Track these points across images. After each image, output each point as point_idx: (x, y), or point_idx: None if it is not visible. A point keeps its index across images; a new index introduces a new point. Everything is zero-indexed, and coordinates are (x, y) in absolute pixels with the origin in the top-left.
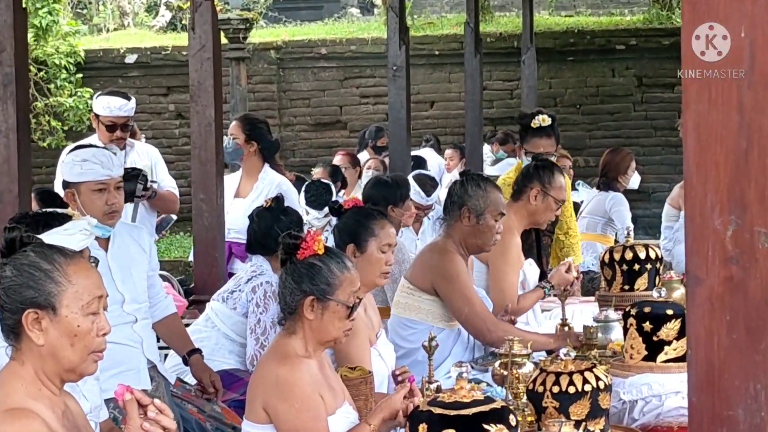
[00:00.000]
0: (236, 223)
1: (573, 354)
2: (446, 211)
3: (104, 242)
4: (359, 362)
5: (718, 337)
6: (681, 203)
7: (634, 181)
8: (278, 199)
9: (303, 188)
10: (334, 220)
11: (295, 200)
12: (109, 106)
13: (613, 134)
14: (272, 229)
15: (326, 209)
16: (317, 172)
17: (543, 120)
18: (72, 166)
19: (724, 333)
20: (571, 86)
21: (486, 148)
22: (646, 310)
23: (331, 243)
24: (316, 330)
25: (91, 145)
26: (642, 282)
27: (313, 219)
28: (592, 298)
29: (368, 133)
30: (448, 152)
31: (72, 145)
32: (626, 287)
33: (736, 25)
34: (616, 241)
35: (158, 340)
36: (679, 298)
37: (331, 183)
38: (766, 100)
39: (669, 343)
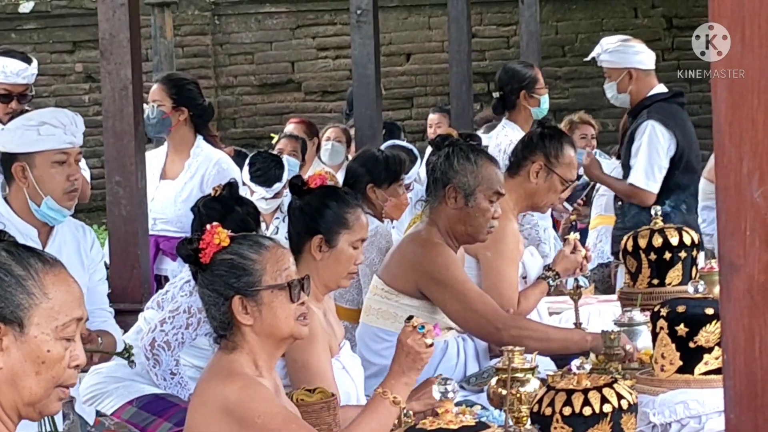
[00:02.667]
0: (164, 212)
1: (588, 366)
2: (428, 191)
3: (44, 234)
4: (320, 373)
5: (760, 339)
6: None
7: None
8: (231, 186)
9: (247, 160)
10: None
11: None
12: (3, 70)
13: None
14: (223, 224)
15: (276, 187)
16: (282, 144)
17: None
18: (23, 132)
19: (767, 333)
20: (583, 31)
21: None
22: (680, 309)
23: (283, 232)
24: (261, 334)
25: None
26: (675, 275)
27: (259, 200)
28: (613, 297)
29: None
30: (432, 117)
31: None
32: (655, 282)
33: None
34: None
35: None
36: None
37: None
38: None
39: (709, 350)
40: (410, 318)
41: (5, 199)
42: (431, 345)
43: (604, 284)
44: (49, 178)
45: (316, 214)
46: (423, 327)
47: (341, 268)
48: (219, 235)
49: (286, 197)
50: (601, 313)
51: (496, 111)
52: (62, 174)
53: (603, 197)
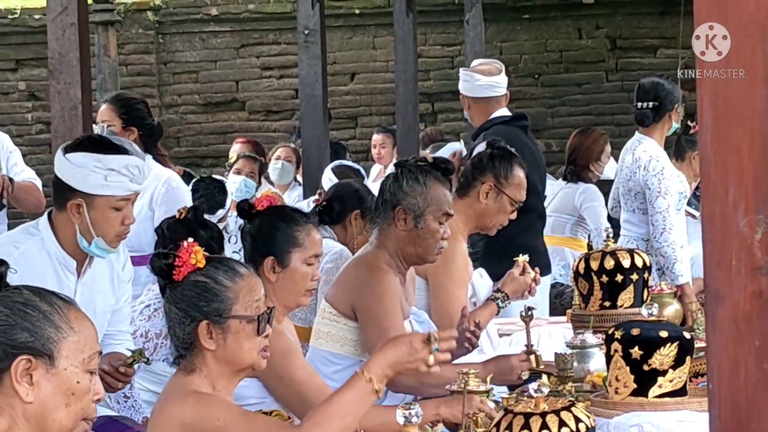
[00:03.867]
0: None
1: (546, 390)
2: (378, 213)
3: (81, 263)
4: (309, 381)
5: (745, 368)
6: None
7: (609, 169)
8: (195, 209)
9: (190, 186)
10: (232, 225)
11: (188, 200)
12: None
13: (581, 110)
14: None
15: (220, 213)
16: (240, 164)
17: None
18: (89, 173)
19: (753, 363)
20: (527, 51)
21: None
22: (635, 332)
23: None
24: (223, 361)
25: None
26: (627, 297)
27: None
28: (563, 318)
29: None
30: (376, 137)
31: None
32: (607, 304)
33: None
34: (589, 246)
35: None
36: (673, 316)
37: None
38: None
39: (663, 373)
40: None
41: (50, 220)
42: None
43: (550, 305)
44: (105, 221)
45: (267, 237)
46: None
47: (298, 287)
48: (196, 255)
49: (231, 218)
50: (551, 335)
51: (644, 122)
52: (118, 218)
53: (550, 218)
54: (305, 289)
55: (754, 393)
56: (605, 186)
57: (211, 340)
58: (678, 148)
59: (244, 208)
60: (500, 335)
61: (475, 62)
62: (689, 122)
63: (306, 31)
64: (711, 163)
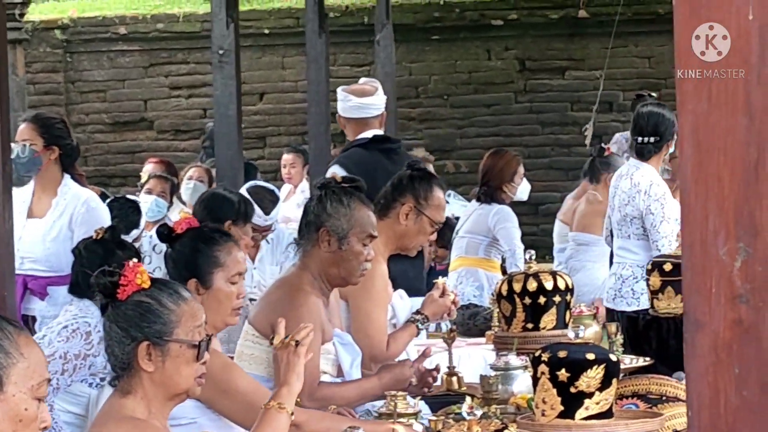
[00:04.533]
0: (32, 251)
1: (479, 412)
2: (301, 234)
3: None
4: (252, 390)
5: (725, 396)
6: (575, 219)
7: (522, 190)
8: (113, 229)
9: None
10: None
11: (107, 220)
12: None
13: (490, 132)
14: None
15: (134, 233)
16: (151, 184)
17: None
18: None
19: (732, 391)
20: (436, 72)
21: None
22: (562, 354)
23: None
24: (159, 384)
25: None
26: (549, 319)
27: None
28: (482, 340)
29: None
30: (286, 157)
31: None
32: (529, 326)
33: (742, 6)
34: (502, 267)
35: None
36: (593, 338)
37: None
38: None
39: (590, 395)
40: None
41: None
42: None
43: (464, 326)
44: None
45: (188, 259)
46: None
47: (224, 307)
48: (141, 275)
49: (145, 238)
50: (471, 356)
51: (644, 155)
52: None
53: (463, 239)
54: (231, 308)
55: (734, 421)
56: (518, 207)
57: (149, 361)
58: (592, 170)
59: (164, 232)
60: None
61: (362, 80)
62: (603, 144)
63: (220, 51)
64: (691, 191)
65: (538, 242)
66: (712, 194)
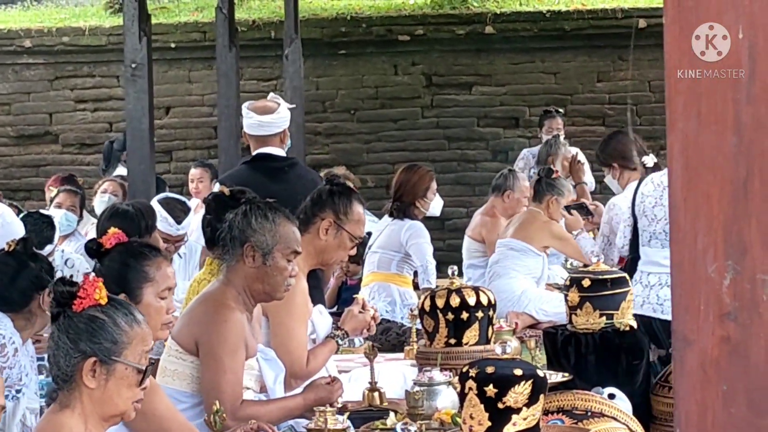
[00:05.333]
0: None
1: (414, 428)
2: (226, 250)
3: None
4: (178, 425)
5: (713, 413)
6: (484, 235)
7: (435, 206)
8: (25, 241)
9: None
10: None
11: (22, 234)
12: None
13: (396, 146)
14: (17, 280)
15: (48, 249)
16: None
17: None
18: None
19: (720, 407)
20: (343, 87)
21: None
22: (489, 370)
23: None
24: (98, 402)
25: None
26: (472, 335)
27: None
28: (401, 355)
29: (117, 144)
30: (194, 171)
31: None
32: (452, 341)
33: (732, 25)
34: (414, 282)
35: None
36: (515, 353)
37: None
38: None
39: (518, 411)
40: None
41: None
42: None
43: (377, 342)
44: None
45: (117, 274)
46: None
47: (153, 322)
48: (100, 291)
49: (57, 252)
50: (390, 372)
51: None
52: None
53: (376, 254)
54: (161, 323)
55: None
56: (425, 222)
57: (93, 378)
58: (537, 190)
59: (92, 247)
60: (339, 372)
61: (270, 96)
62: (552, 167)
63: (133, 65)
64: (681, 210)
65: (445, 257)
66: (701, 212)
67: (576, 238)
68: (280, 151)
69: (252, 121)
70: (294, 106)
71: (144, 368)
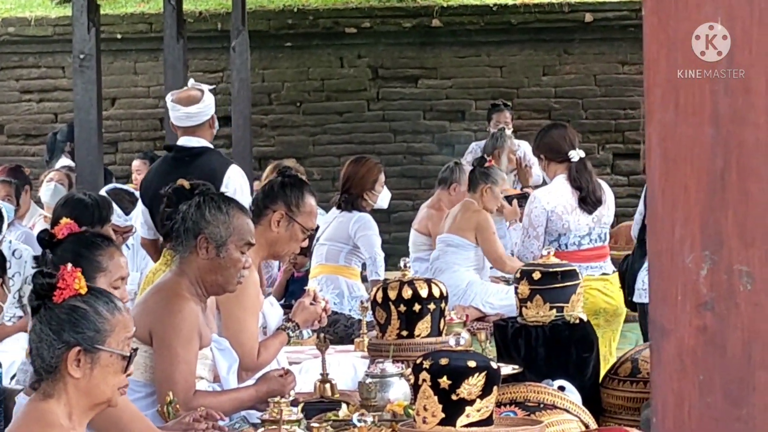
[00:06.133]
0: None
1: (370, 419)
2: (179, 241)
3: None
4: (130, 414)
5: (689, 403)
6: (430, 228)
7: (383, 198)
8: None
9: None
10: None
11: None
12: None
13: (342, 139)
14: None
15: None
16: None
17: None
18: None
19: (696, 397)
20: (289, 79)
21: None
22: (443, 362)
23: None
24: (84, 391)
25: None
26: (424, 326)
27: None
28: (351, 347)
29: (60, 135)
30: (136, 163)
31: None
32: (404, 333)
33: (710, 18)
34: (363, 275)
35: None
36: (466, 346)
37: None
38: (747, 108)
39: (471, 402)
40: None
41: None
42: None
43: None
44: None
45: (71, 264)
46: None
47: None
48: (79, 281)
49: (5, 243)
50: (340, 363)
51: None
52: None
53: (324, 246)
54: None
55: (698, 427)
56: (377, 215)
57: (77, 367)
58: (472, 179)
59: (45, 237)
60: (290, 363)
61: (189, 83)
62: (486, 155)
63: (81, 56)
64: (658, 201)
65: (390, 250)
66: (679, 203)
67: (508, 229)
68: (196, 141)
69: (179, 114)
70: (213, 87)
71: (128, 354)
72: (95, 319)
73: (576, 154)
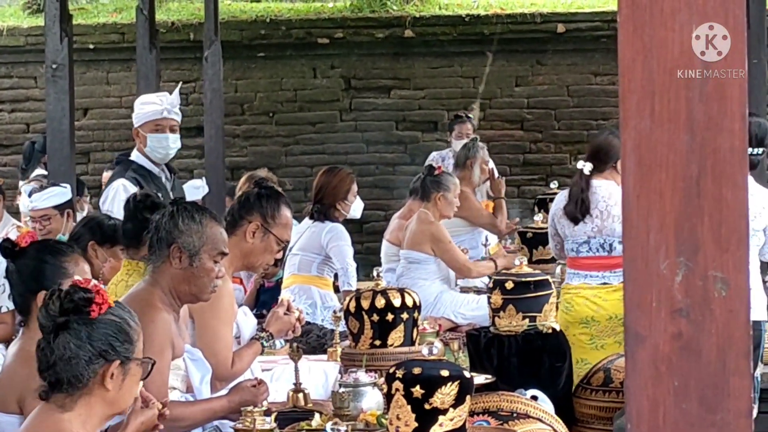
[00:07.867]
0: None
1: (343, 429)
2: (152, 251)
3: None
4: None
5: (664, 409)
6: (401, 238)
7: (355, 208)
8: None
9: None
10: None
11: None
12: None
13: (315, 149)
14: None
15: None
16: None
17: None
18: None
19: (671, 403)
20: (262, 89)
21: None
22: (416, 371)
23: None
24: (110, 402)
25: None
26: (397, 336)
27: None
28: (324, 357)
29: (38, 145)
30: (106, 174)
31: None
32: (377, 342)
33: (685, 23)
34: (335, 285)
35: None
36: (439, 355)
37: None
38: (722, 115)
39: (444, 412)
40: None
41: None
42: None
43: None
44: None
45: (35, 272)
46: None
47: None
48: (109, 295)
49: None
50: (311, 370)
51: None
52: None
53: (296, 257)
54: None
55: None
56: (349, 225)
57: (112, 380)
58: (424, 188)
59: (8, 246)
60: (263, 370)
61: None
62: (434, 164)
63: (54, 66)
64: (633, 207)
65: (363, 260)
66: (654, 210)
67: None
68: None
69: (140, 118)
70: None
71: (152, 361)
72: (128, 330)
73: (581, 164)
